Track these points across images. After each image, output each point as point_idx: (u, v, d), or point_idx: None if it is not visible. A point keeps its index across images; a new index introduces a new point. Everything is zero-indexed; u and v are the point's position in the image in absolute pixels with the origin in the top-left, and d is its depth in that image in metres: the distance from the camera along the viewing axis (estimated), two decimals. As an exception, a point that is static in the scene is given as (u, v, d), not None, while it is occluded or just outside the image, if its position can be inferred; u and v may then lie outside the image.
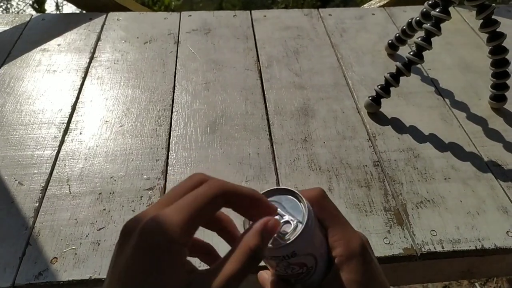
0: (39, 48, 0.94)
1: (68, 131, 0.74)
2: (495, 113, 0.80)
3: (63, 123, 0.75)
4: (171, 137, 0.73)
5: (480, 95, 0.84)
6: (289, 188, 0.31)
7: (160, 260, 0.23)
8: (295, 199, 0.30)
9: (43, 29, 1.00)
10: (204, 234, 0.30)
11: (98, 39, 0.98)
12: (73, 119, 0.77)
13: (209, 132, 0.74)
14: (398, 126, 0.77)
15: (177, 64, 0.91)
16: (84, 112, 0.78)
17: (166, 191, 0.64)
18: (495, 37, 0.72)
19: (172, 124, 0.76)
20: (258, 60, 0.92)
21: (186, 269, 0.25)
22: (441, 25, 0.69)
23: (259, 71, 0.89)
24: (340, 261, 0.30)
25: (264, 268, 0.33)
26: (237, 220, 0.32)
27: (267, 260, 0.30)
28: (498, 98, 0.79)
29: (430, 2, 0.77)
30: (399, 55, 0.94)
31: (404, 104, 0.81)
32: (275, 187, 0.31)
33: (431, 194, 0.65)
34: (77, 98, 0.81)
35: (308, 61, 0.92)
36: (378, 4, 1.20)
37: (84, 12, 1.16)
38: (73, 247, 0.57)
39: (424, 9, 0.78)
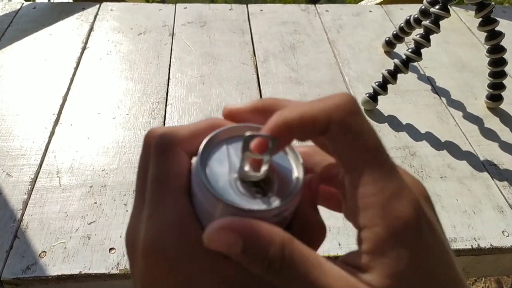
0: (30, 37, 0.92)
1: (59, 122, 0.72)
2: (491, 112, 0.80)
3: (53, 114, 0.73)
4: (165, 131, 0.72)
5: (477, 94, 0.84)
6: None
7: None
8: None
9: (34, 18, 0.98)
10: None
11: (91, 29, 0.96)
12: (64, 110, 0.75)
13: (204, 126, 0.73)
14: (394, 123, 0.76)
15: (172, 56, 0.89)
16: (76, 103, 0.76)
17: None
18: (493, 36, 0.71)
19: (166, 117, 0.75)
20: (254, 55, 0.91)
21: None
22: (439, 23, 0.69)
23: (255, 66, 0.88)
24: (375, 240, 0.17)
25: None
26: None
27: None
28: (494, 98, 0.79)
29: (429, -1, 0.76)
30: (396, 53, 0.93)
31: (401, 102, 0.81)
32: (248, 125, 0.21)
33: (427, 192, 0.64)
34: (69, 88, 0.79)
35: (305, 57, 0.91)
36: (375, 2, 1.19)
37: (77, 1, 1.13)
38: (63, 241, 0.55)
39: (423, 7, 0.78)
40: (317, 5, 1.09)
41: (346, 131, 0.18)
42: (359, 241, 0.18)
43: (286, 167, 0.21)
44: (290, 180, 0.20)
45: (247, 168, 0.19)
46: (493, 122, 0.78)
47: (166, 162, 0.20)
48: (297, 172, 0.20)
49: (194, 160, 0.20)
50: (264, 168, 0.19)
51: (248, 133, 0.19)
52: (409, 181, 0.19)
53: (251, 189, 0.19)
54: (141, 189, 0.20)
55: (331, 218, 0.58)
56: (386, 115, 0.78)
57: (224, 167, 0.20)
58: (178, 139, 0.20)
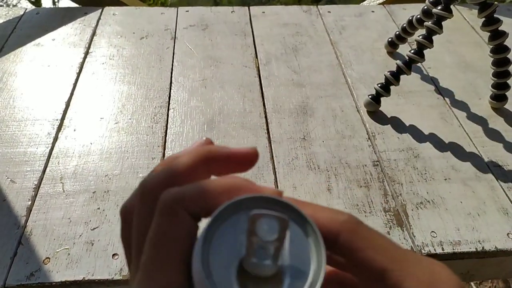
0: (33, 42, 0.93)
1: (62, 128, 0.73)
2: (495, 113, 0.79)
3: (57, 120, 0.74)
4: (167, 135, 0.72)
5: (481, 94, 0.83)
6: (290, 203, 0.18)
7: None
8: (298, 228, 0.17)
9: (37, 23, 0.98)
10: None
11: (94, 34, 0.96)
12: (67, 116, 0.75)
13: (206, 130, 0.73)
14: (397, 125, 0.76)
15: (174, 60, 0.89)
16: (79, 109, 0.77)
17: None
18: (497, 36, 0.71)
19: (169, 121, 0.75)
20: (256, 57, 0.91)
21: None
22: (442, 23, 0.68)
23: (257, 68, 0.88)
24: None
25: None
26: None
27: None
28: (498, 98, 0.78)
29: (431, -1, 0.76)
30: (399, 53, 0.93)
31: (404, 103, 0.80)
32: (267, 196, 0.18)
33: (431, 194, 0.64)
34: (72, 94, 0.80)
35: (307, 59, 0.91)
36: (377, 2, 1.18)
37: (80, 6, 1.14)
38: (66, 247, 0.55)
39: (425, 7, 0.77)
40: (319, 6, 1.08)
41: (359, 238, 0.18)
42: None
43: (302, 255, 0.17)
44: (306, 274, 0.16)
45: (253, 259, 0.16)
46: (497, 123, 0.77)
47: (167, 225, 0.18)
48: (316, 264, 0.16)
49: (199, 231, 0.17)
50: (272, 265, 0.16)
51: (254, 212, 0.16)
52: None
53: (258, 283, 0.16)
54: (141, 243, 0.19)
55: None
56: (389, 116, 0.77)
57: (231, 251, 0.17)
58: (184, 199, 0.18)
